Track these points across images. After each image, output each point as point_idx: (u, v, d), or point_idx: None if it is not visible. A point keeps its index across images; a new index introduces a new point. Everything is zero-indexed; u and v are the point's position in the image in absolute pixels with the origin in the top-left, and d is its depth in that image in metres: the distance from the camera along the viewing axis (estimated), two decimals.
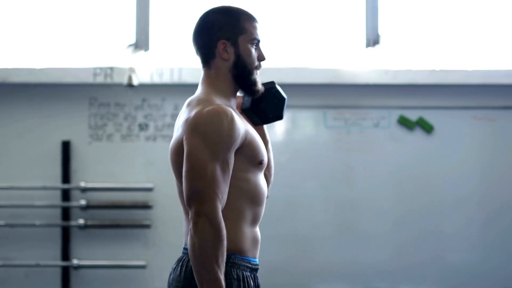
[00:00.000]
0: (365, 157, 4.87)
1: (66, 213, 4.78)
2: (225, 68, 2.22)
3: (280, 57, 4.83)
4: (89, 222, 4.71)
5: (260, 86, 2.26)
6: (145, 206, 4.74)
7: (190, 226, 2.00)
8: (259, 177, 2.18)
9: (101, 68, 4.72)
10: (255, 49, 2.25)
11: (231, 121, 2.07)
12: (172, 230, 4.77)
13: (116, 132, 4.84)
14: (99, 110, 4.84)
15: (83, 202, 4.71)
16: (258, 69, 2.26)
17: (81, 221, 4.70)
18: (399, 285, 4.82)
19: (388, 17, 4.89)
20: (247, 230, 2.16)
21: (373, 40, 4.72)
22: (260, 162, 2.17)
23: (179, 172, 2.12)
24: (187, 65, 4.77)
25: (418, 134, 4.90)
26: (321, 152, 4.86)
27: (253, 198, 2.18)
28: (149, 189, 4.75)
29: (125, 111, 4.85)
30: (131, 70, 4.62)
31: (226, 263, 2.07)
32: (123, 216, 4.77)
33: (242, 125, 2.11)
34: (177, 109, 4.85)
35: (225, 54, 2.21)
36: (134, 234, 4.78)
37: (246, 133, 2.13)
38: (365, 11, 4.82)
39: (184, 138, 2.08)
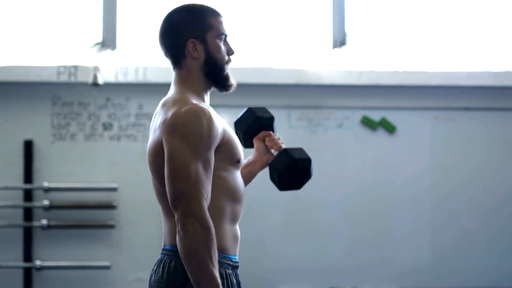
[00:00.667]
0: (328, 157, 4.92)
1: (28, 214, 4.73)
2: (196, 66, 2.21)
3: (245, 57, 4.85)
4: (52, 223, 4.67)
5: (233, 81, 2.26)
6: (109, 206, 4.72)
7: (178, 228, 1.99)
8: (237, 175, 2.20)
9: (65, 67, 4.68)
10: (224, 44, 2.25)
11: (210, 119, 2.07)
12: (136, 231, 4.77)
13: (79, 131, 4.81)
14: (62, 109, 4.80)
15: (46, 202, 4.67)
16: (229, 64, 2.26)
17: (44, 222, 4.65)
18: (359, 284, 4.87)
19: (354, 18, 4.95)
20: (227, 228, 2.16)
21: (340, 41, 4.76)
22: (238, 161, 2.19)
23: (158, 173, 2.11)
24: (152, 64, 4.76)
25: (380, 135, 4.96)
26: None
27: (233, 196, 2.19)
28: (113, 189, 4.73)
29: (89, 111, 4.82)
30: (96, 69, 4.60)
31: None
32: (87, 216, 4.74)
33: (220, 124, 2.12)
34: (141, 108, 4.84)
35: (195, 52, 2.20)
36: (98, 234, 4.76)
37: (224, 132, 2.14)
38: (332, 12, 4.87)
39: (163, 140, 2.06)
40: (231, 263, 2.16)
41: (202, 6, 2.25)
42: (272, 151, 2.46)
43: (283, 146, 2.48)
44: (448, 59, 5.02)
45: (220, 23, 2.26)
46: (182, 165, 2.01)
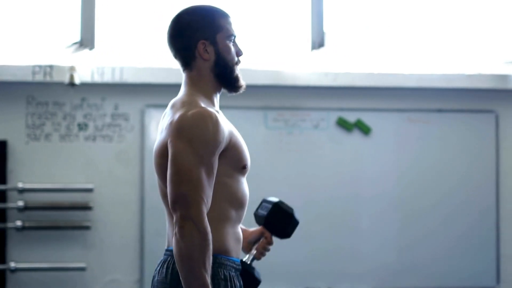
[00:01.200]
0: (304, 158, 4.94)
1: (2, 215, 4.67)
2: (207, 68, 2.22)
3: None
4: (27, 224, 4.63)
5: (242, 82, 2.26)
6: (85, 207, 4.69)
7: (176, 230, 2.00)
8: (241, 181, 2.20)
9: (40, 66, 4.64)
10: (233, 45, 2.26)
11: (216, 124, 2.07)
12: (112, 232, 4.75)
13: (54, 131, 4.77)
14: (37, 109, 4.76)
15: (20, 203, 4.62)
16: (238, 65, 2.26)
17: (18, 223, 4.61)
18: (334, 284, 4.89)
19: (332, 20, 4.98)
20: (230, 230, 2.17)
21: (318, 43, 4.79)
22: (244, 167, 2.19)
23: (163, 174, 2.13)
24: (129, 64, 4.74)
25: (356, 136, 4.99)
26: (262, 153, 4.89)
27: (236, 201, 2.19)
28: (89, 190, 4.70)
29: (64, 111, 4.78)
30: (72, 68, 4.56)
31: (213, 263, 2.08)
32: (62, 217, 4.70)
33: (227, 128, 2.13)
34: (117, 108, 4.82)
35: (206, 54, 2.20)
36: (74, 235, 4.72)
37: (231, 136, 2.14)
38: (311, 14, 4.89)
39: (168, 141, 2.07)
40: (234, 265, 2.17)
41: (211, 7, 2.26)
42: (253, 253, 2.43)
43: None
44: (423, 61, 5.08)
45: (229, 24, 2.26)
46: (184, 168, 2.02)
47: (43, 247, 4.69)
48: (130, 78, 4.71)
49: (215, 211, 2.11)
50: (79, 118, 4.79)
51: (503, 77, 5.04)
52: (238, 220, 2.22)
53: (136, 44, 4.84)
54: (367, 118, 4.99)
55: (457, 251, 5.02)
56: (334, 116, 4.97)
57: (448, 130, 5.07)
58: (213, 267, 2.08)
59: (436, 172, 5.04)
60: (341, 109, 4.97)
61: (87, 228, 4.69)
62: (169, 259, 2.14)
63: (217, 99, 2.26)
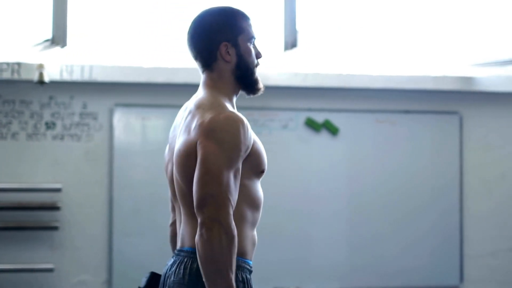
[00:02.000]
0: (273, 158, 4.91)
1: None
2: (228, 70, 2.23)
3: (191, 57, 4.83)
4: None
5: (261, 85, 2.29)
6: (53, 207, 4.65)
7: (202, 231, 2.00)
8: (258, 184, 2.23)
9: (8, 64, 4.58)
10: (253, 47, 2.28)
11: (246, 129, 2.10)
12: (81, 232, 4.72)
13: (21, 130, 4.72)
14: (3, 107, 4.70)
15: None
16: (257, 67, 2.28)
17: None
18: (303, 284, 4.93)
19: (304, 20, 5.01)
20: (248, 233, 2.20)
21: (291, 43, 4.81)
22: (262, 171, 2.22)
23: (185, 174, 2.12)
24: (99, 63, 4.71)
25: (324, 136, 5.03)
26: None
27: (253, 203, 2.21)
28: (57, 190, 4.66)
29: (31, 109, 4.73)
30: (41, 66, 4.50)
31: None
32: (30, 217, 4.65)
33: (253, 134, 2.16)
34: (85, 107, 4.78)
35: (228, 56, 2.22)
36: (41, 236, 4.68)
37: (254, 142, 2.17)
38: (284, 15, 4.90)
39: (198, 142, 2.08)
40: (249, 268, 2.20)
41: (233, 9, 2.28)
42: None
43: None
44: (390, 63, 5.15)
45: (250, 26, 2.28)
46: (215, 169, 2.03)
47: (10, 248, 4.63)
48: (100, 76, 4.67)
49: (235, 214, 2.11)
50: (47, 117, 4.74)
51: (468, 79, 5.12)
52: (255, 223, 2.24)
53: (106, 42, 4.81)
54: (335, 119, 5.03)
55: (420, 250, 5.09)
56: (302, 117, 5.00)
57: (414, 131, 5.13)
58: None
59: (402, 172, 5.10)
60: (310, 110, 5.00)
61: (55, 228, 4.64)
62: (185, 260, 2.15)
63: (235, 101, 2.27)
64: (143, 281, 2.34)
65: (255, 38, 2.28)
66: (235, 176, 2.06)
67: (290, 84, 4.93)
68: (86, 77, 4.66)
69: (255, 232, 2.25)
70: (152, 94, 4.82)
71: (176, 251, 2.23)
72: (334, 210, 5.02)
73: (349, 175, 5.05)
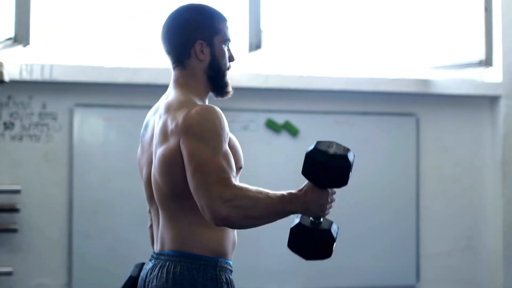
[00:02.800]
0: None
1: None
2: (200, 69, 2.22)
3: (155, 57, 4.85)
4: None
5: (230, 88, 2.28)
6: (12, 209, 4.59)
7: (233, 215, 1.97)
8: (237, 181, 2.20)
9: None
10: (227, 49, 2.27)
11: (221, 117, 2.09)
12: (40, 234, 4.68)
13: None
14: None
15: None
16: (229, 70, 2.28)
17: None
18: (264, 285, 4.96)
19: (268, 22, 5.04)
20: (230, 233, 2.20)
21: (255, 45, 4.84)
22: (240, 167, 2.22)
23: (168, 177, 2.10)
24: (59, 62, 4.67)
25: (284, 137, 5.06)
26: None
27: None
28: (16, 192, 4.60)
29: None
30: (0, 65, 4.43)
31: (215, 266, 2.13)
32: None
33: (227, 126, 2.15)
34: (45, 107, 4.73)
35: (201, 55, 2.21)
36: (0, 239, 4.61)
37: (230, 139, 2.18)
38: (248, 16, 4.93)
39: (181, 144, 2.06)
40: (230, 268, 2.21)
41: (212, 9, 2.27)
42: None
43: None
44: (349, 65, 5.22)
45: (227, 28, 2.27)
46: (203, 164, 2.00)
47: None
48: (60, 76, 4.63)
49: None
50: (5, 117, 4.68)
51: (425, 82, 5.21)
52: None
53: (67, 42, 4.78)
54: (295, 120, 5.07)
55: (377, 249, 5.16)
56: (263, 118, 5.03)
57: (372, 133, 5.20)
58: (215, 270, 2.13)
59: (359, 172, 4.91)
60: (270, 111, 5.04)
61: (14, 231, 4.58)
62: (167, 263, 2.13)
63: (207, 101, 2.25)
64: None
65: (230, 41, 2.27)
66: (226, 159, 2.03)
67: (252, 85, 4.96)
68: (46, 76, 4.61)
69: (235, 232, 2.25)
70: (113, 94, 4.79)
71: (155, 255, 2.20)
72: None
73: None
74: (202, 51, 2.21)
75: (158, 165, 2.14)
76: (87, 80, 4.68)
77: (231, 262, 2.22)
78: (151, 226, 2.40)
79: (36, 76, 4.60)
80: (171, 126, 2.09)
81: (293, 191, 2.08)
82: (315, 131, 5.10)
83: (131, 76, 4.72)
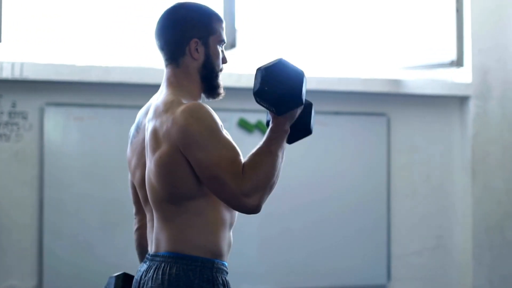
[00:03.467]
0: None
1: None
2: (194, 67, 2.21)
3: (128, 56, 4.84)
4: None
5: (222, 90, 2.28)
6: None
7: (255, 204, 2.03)
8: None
9: None
10: (221, 51, 2.26)
11: (210, 110, 2.09)
12: (10, 235, 4.64)
13: None
14: None
15: None
16: (221, 71, 2.27)
17: None
18: (237, 284, 4.96)
19: (243, 21, 5.05)
20: (226, 234, 2.20)
21: (230, 44, 4.83)
22: None
23: (165, 179, 2.10)
24: (30, 60, 4.62)
25: (257, 137, 5.05)
26: None
27: None
28: None
29: None
30: None
31: (212, 268, 2.14)
32: None
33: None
34: (15, 106, 4.68)
35: (196, 53, 2.20)
36: None
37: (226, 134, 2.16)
38: (223, 14, 4.92)
39: (182, 151, 2.05)
40: (226, 269, 2.22)
41: (209, 8, 2.27)
42: None
43: None
44: (322, 65, 5.24)
45: (222, 29, 2.27)
46: (213, 166, 2.02)
47: None
48: (31, 74, 4.57)
49: (213, 215, 2.14)
50: None
51: (396, 82, 5.25)
52: (232, 224, 2.24)
53: (38, 39, 4.74)
54: None
55: (348, 249, 5.17)
56: (235, 117, 5.02)
57: (344, 132, 5.21)
58: (212, 272, 2.13)
59: (332, 172, 5.18)
60: (243, 110, 5.03)
61: None
62: (163, 265, 2.12)
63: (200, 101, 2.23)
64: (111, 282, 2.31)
65: (224, 42, 2.28)
66: (228, 147, 2.06)
67: (224, 85, 4.90)
68: (16, 74, 4.55)
69: (231, 233, 2.25)
70: (85, 93, 4.75)
71: (149, 256, 2.19)
72: (264, 210, 4.97)
73: (281, 175, 5.08)
74: (197, 49, 2.20)
75: (154, 168, 2.13)
76: (58, 79, 4.62)
77: (226, 264, 2.22)
78: (137, 229, 2.40)
79: (6, 74, 4.54)
80: (161, 130, 2.09)
81: (270, 126, 2.12)
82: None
83: (104, 75, 4.68)
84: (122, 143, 4.30)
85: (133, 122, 2.37)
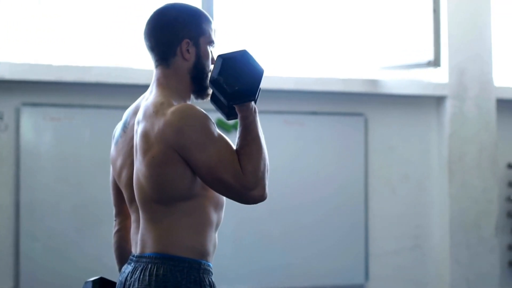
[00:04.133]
0: None
1: None
2: (185, 68, 2.21)
3: (105, 55, 4.81)
4: None
5: (210, 91, 2.27)
6: None
7: (260, 194, 2.11)
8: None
9: None
10: (211, 52, 2.27)
11: (197, 108, 2.12)
12: None
13: None
14: None
15: None
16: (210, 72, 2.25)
17: None
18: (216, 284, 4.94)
19: (221, 21, 5.06)
20: (212, 235, 2.21)
21: None
22: None
23: (156, 179, 2.11)
24: (5, 59, 4.60)
25: (234, 137, 4.95)
26: None
27: (218, 203, 2.23)
28: None
29: None
30: None
31: (199, 269, 2.14)
32: None
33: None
34: None
35: (187, 54, 2.20)
36: None
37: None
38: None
39: (175, 147, 2.06)
40: (212, 270, 2.22)
41: (199, 10, 2.28)
42: None
43: None
44: (299, 65, 5.25)
45: (212, 30, 2.27)
46: (213, 168, 2.06)
47: None
48: (6, 74, 4.54)
49: (201, 216, 2.15)
50: None
51: (373, 82, 5.27)
52: (218, 224, 2.26)
53: (13, 38, 4.71)
54: None
55: (326, 249, 5.17)
56: (213, 117, 4.96)
57: (321, 133, 5.22)
58: (199, 273, 2.14)
59: (309, 172, 5.19)
60: None
61: None
62: (149, 266, 2.12)
63: (189, 102, 2.24)
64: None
65: (214, 43, 2.28)
66: (223, 145, 2.10)
67: None
68: None
69: (216, 234, 2.26)
70: (62, 94, 4.72)
71: (134, 257, 2.19)
72: (242, 211, 4.85)
73: None
74: (188, 50, 2.21)
75: (144, 169, 2.13)
76: (34, 79, 4.59)
77: (211, 265, 2.23)
78: (117, 231, 2.39)
79: None
80: (153, 132, 2.10)
81: (239, 116, 2.16)
82: (265, 131, 4.82)
83: (81, 75, 4.65)
84: (100, 144, 4.57)
85: (111, 122, 2.40)
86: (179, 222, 2.13)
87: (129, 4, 4.83)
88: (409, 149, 5.46)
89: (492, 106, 5.42)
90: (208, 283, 2.16)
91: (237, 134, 2.17)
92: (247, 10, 5.23)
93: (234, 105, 2.14)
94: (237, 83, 2.09)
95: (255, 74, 2.11)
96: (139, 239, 2.18)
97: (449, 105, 5.37)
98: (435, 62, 4.89)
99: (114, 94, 4.69)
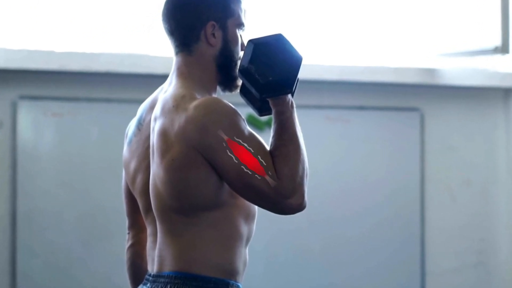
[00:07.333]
0: None
1: None
2: (210, 55, 2.17)
3: (116, 41, 4.75)
4: None
5: (240, 82, 2.21)
6: None
7: (298, 203, 2.04)
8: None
9: None
10: (240, 36, 2.24)
11: (229, 104, 2.06)
12: None
13: None
14: None
15: None
16: (239, 60, 2.22)
17: None
18: None
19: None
20: (242, 251, 2.18)
21: None
22: None
23: (177, 186, 2.05)
24: (0, 46, 4.56)
25: (267, 135, 4.73)
26: None
27: (249, 214, 2.19)
28: None
29: None
30: None
31: None
32: None
33: None
34: None
35: (213, 38, 2.16)
36: None
37: None
38: None
39: (198, 147, 2.01)
40: None
41: None
42: None
43: None
44: (344, 52, 5.17)
45: (242, 11, 2.23)
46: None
47: None
48: (1, 62, 4.51)
49: (229, 229, 2.12)
50: None
51: (431, 71, 5.20)
52: (249, 238, 2.22)
53: (10, 22, 4.66)
54: None
55: (376, 267, 5.09)
56: (244, 114, 4.69)
57: (369, 131, 5.16)
58: None
59: (355, 178, 5.12)
60: None
61: None
62: (169, 287, 2.08)
63: (215, 95, 2.21)
64: None
65: (244, 26, 2.24)
66: (254, 143, 2.04)
67: None
68: None
69: (247, 250, 2.22)
70: (66, 85, 4.68)
71: (151, 277, 2.16)
72: (277, 223, 4.81)
73: None
74: (214, 34, 2.16)
75: (162, 173, 2.08)
76: (34, 68, 4.56)
77: (241, 286, 2.18)
78: (131, 246, 2.37)
79: None
80: (172, 129, 2.06)
81: (274, 111, 2.12)
82: (303, 128, 4.76)
83: (87, 63, 4.61)
84: (109, 144, 4.54)
85: (123, 119, 2.44)
86: (203, 236, 2.11)
87: None
88: (472, 149, 5.35)
89: None
90: None
91: (271, 133, 2.13)
92: None
93: (267, 99, 2.11)
94: (271, 73, 2.05)
95: (292, 62, 2.07)
96: (157, 255, 2.15)
97: None
98: (503, 48, 4.76)
99: (126, 86, 4.68)
